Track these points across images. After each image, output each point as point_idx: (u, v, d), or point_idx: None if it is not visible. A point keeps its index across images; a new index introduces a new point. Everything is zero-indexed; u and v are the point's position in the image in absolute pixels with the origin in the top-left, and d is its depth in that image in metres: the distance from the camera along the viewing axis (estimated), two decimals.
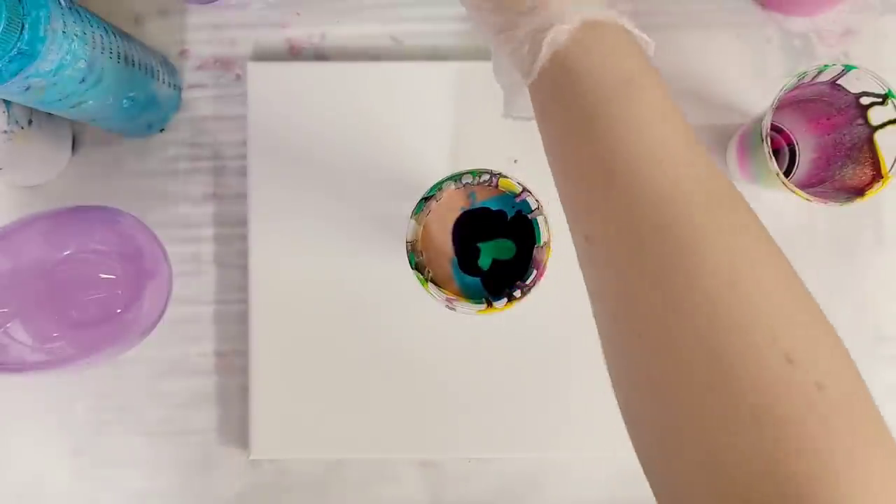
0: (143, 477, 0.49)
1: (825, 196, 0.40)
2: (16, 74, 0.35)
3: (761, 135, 0.40)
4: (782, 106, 0.43)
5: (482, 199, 0.42)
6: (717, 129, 0.49)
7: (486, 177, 0.39)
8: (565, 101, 0.29)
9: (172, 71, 0.49)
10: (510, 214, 0.41)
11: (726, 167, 0.49)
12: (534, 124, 0.49)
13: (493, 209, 0.41)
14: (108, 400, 0.49)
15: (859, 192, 0.40)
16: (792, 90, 0.40)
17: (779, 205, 0.49)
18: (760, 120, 0.41)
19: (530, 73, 0.30)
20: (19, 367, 0.43)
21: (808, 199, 0.40)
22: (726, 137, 0.49)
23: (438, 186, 0.39)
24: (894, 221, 0.49)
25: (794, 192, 0.40)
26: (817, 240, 0.49)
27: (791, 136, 0.48)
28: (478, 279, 0.41)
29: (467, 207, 0.41)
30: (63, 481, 0.49)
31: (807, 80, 0.40)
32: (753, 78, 0.49)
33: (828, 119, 0.44)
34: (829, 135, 0.45)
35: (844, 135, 0.43)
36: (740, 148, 0.46)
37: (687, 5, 0.49)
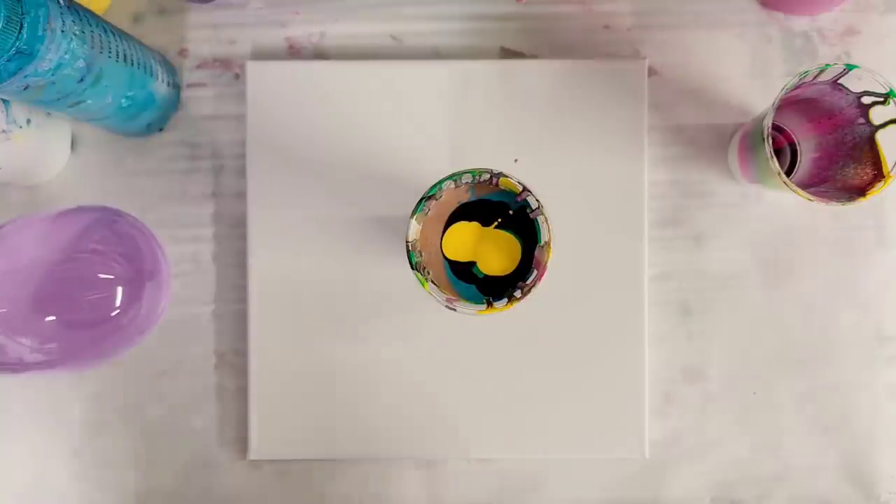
0: (143, 477, 0.49)
1: (827, 196, 0.40)
2: (14, 74, 0.34)
3: (763, 134, 0.40)
4: (783, 105, 0.43)
5: (481, 196, 0.42)
6: (717, 128, 0.49)
7: (487, 176, 0.39)
8: None
9: (171, 70, 0.49)
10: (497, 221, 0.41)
11: (727, 167, 0.49)
12: (535, 123, 0.49)
13: (492, 201, 0.41)
14: (108, 400, 0.49)
15: (861, 191, 0.40)
16: (793, 90, 0.40)
17: (780, 205, 0.49)
18: (762, 119, 0.41)
19: None
20: (18, 368, 0.43)
21: (809, 199, 0.39)
22: (727, 137, 0.49)
23: (438, 186, 0.39)
24: None
25: (795, 191, 0.40)
26: (819, 240, 0.49)
27: (792, 135, 0.48)
28: (473, 286, 0.41)
29: (466, 201, 0.41)
30: (63, 481, 0.49)
31: (808, 79, 0.40)
32: (754, 77, 0.49)
33: (829, 119, 0.44)
34: (830, 134, 0.45)
35: (846, 134, 0.43)
36: (741, 148, 0.46)
37: (688, 5, 0.49)
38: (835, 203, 0.40)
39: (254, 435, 0.48)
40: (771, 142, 0.40)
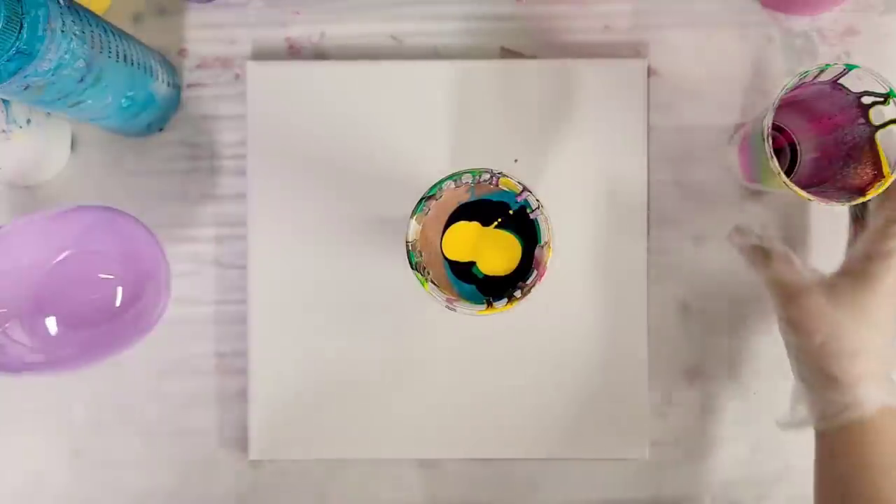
0: (143, 477, 0.49)
1: (827, 196, 0.40)
2: (14, 74, 0.34)
3: (763, 134, 0.40)
4: (783, 105, 0.43)
5: (481, 196, 0.41)
6: (717, 128, 0.49)
7: (487, 176, 0.39)
8: (852, 458, 0.39)
9: (171, 70, 0.49)
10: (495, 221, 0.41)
11: (728, 167, 0.49)
12: (535, 123, 0.49)
13: (493, 200, 0.41)
14: (108, 400, 0.49)
15: (861, 191, 0.40)
16: (793, 89, 0.40)
17: (780, 205, 0.49)
18: (762, 119, 0.41)
19: (825, 428, 0.40)
20: (18, 368, 0.43)
21: (809, 199, 0.39)
22: (727, 137, 0.49)
23: (438, 186, 0.39)
24: None
25: (795, 191, 0.40)
26: (819, 240, 0.49)
27: (792, 135, 0.48)
28: (473, 286, 0.41)
29: (466, 201, 0.41)
30: (63, 481, 0.49)
31: (808, 79, 0.40)
32: (754, 77, 0.49)
33: (829, 118, 0.44)
34: (830, 134, 0.45)
35: (846, 134, 0.43)
36: (742, 148, 0.46)
37: (688, 5, 0.49)
38: (835, 203, 0.40)
39: (254, 435, 0.48)
40: (771, 142, 0.40)
